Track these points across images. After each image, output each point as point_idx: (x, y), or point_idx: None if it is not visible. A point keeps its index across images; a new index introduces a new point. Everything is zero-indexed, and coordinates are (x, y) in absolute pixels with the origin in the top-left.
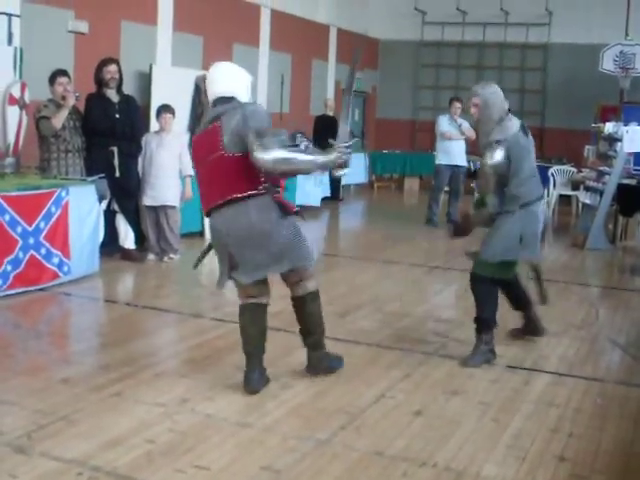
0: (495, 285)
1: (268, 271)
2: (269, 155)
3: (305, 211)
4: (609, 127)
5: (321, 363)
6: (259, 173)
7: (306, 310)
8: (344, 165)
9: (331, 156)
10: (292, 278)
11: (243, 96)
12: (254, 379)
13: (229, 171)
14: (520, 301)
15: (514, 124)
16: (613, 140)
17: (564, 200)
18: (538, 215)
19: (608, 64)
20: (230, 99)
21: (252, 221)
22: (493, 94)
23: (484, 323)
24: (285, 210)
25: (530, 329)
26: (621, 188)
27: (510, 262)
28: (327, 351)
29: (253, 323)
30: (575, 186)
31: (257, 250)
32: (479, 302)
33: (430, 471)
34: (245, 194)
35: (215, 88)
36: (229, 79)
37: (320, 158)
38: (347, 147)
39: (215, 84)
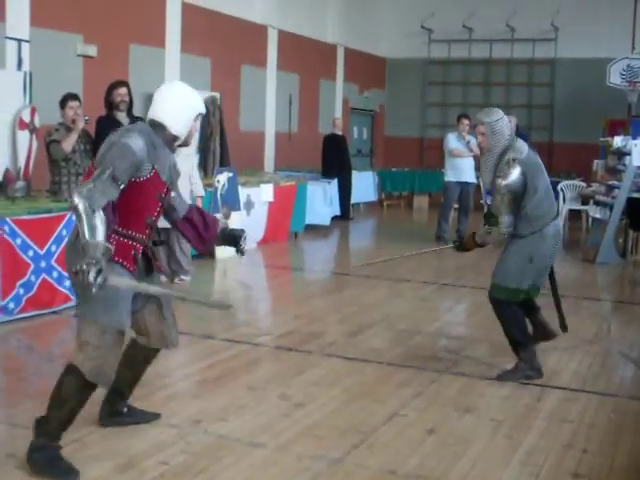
0: (514, 304)
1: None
2: (76, 198)
3: (315, 230)
4: (617, 141)
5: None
6: (111, 206)
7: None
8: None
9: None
10: None
11: (175, 130)
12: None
13: None
14: (525, 308)
15: (524, 144)
16: (622, 154)
17: (574, 215)
18: (551, 238)
19: (615, 78)
20: (157, 125)
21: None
22: (499, 121)
23: (517, 343)
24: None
25: (541, 334)
26: (631, 202)
27: (524, 289)
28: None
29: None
30: (585, 201)
31: None
32: (504, 324)
33: None
34: None
35: (152, 109)
36: (164, 104)
37: (86, 233)
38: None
39: (155, 105)
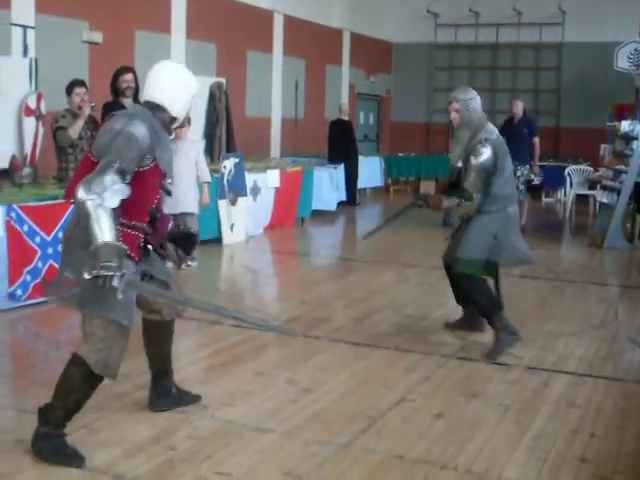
0: (481, 279)
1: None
2: (83, 194)
3: (322, 215)
4: (625, 125)
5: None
6: None
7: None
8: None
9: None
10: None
11: (175, 111)
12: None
13: (85, 173)
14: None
15: (494, 127)
16: (629, 138)
17: (581, 200)
18: (514, 219)
19: (623, 62)
20: (155, 107)
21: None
22: (473, 99)
23: (490, 313)
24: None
25: (470, 323)
26: (638, 186)
27: (493, 263)
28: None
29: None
30: (592, 185)
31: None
32: (474, 295)
33: (451, 474)
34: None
35: (147, 90)
36: (162, 84)
37: (98, 234)
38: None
39: (150, 86)
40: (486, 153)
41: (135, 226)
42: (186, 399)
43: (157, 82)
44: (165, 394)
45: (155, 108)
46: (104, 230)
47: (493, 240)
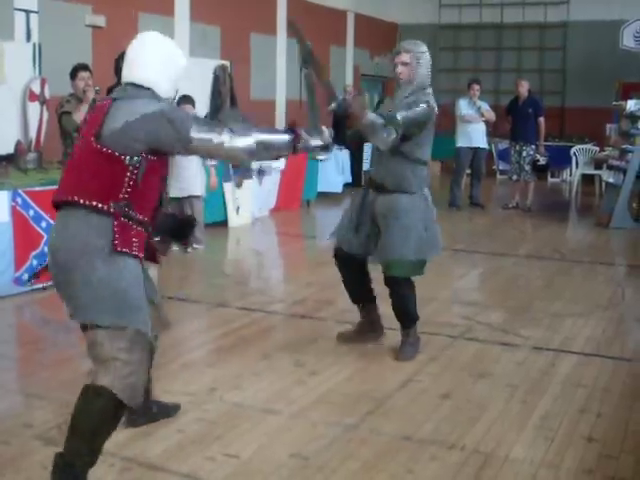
0: (411, 281)
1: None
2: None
3: (327, 197)
4: (631, 105)
5: None
6: (122, 186)
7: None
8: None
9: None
10: (88, 347)
11: (163, 90)
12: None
13: (88, 165)
14: (370, 293)
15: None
16: (635, 118)
17: (587, 179)
18: (431, 203)
19: (629, 41)
20: (140, 89)
21: (63, 236)
22: (425, 54)
23: (414, 319)
24: (122, 245)
25: (371, 328)
26: None
27: (423, 260)
28: None
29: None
30: (598, 165)
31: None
32: (402, 301)
33: (458, 454)
34: (87, 202)
35: (128, 70)
36: (151, 63)
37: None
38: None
39: (131, 64)
40: (424, 112)
41: (143, 222)
42: (165, 411)
43: (138, 60)
44: (143, 413)
45: (140, 90)
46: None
47: (424, 233)
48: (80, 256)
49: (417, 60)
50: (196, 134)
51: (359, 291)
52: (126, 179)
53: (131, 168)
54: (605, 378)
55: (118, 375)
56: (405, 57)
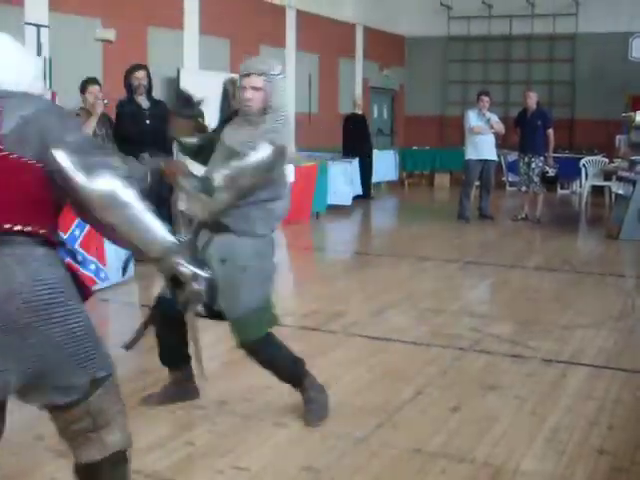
0: (271, 335)
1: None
2: (94, 184)
3: (337, 210)
4: None
5: None
6: (52, 208)
7: None
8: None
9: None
10: (71, 425)
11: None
12: None
13: (8, 182)
14: (181, 352)
15: None
16: None
17: (597, 191)
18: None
19: (638, 52)
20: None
21: (18, 282)
22: (281, 76)
23: (297, 373)
24: (82, 286)
25: (180, 393)
26: None
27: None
28: None
29: None
30: (607, 177)
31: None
32: (276, 364)
33: (469, 467)
34: (25, 228)
35: None
36: (15, 64)
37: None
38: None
39: None
40: (265, 151)
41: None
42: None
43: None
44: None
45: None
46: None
47: (270, 279)
48: (48, 301)
49: (273, 86)
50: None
51: (179, 352)
52: None
53: None
54: (616, 390)
55: (119, 426)
56: (257, 82)
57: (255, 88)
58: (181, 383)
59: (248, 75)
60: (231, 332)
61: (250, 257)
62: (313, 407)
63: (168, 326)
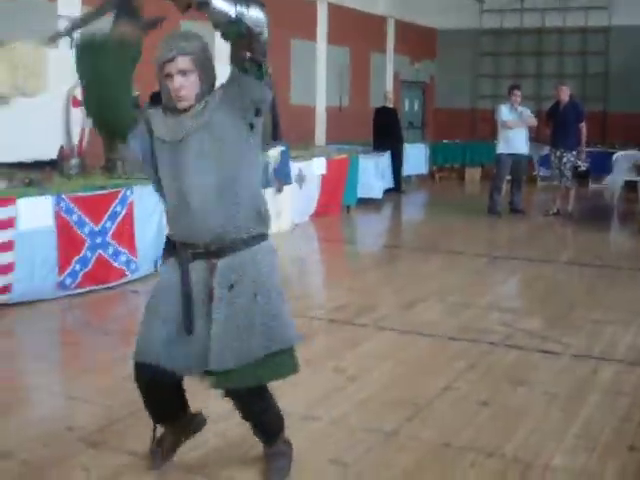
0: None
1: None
2: None
3: (367, 203)
4: None
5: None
6: None
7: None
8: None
9: None
10: None
11: None
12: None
13: None
14: (175, 406)
15: None
16: None
17: (629, 186)
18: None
19: None
20: None
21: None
22: (208, 51)
23: (279, 427)
24: None
25: (185, 428)
26: None
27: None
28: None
29: None
30: None
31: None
32: (266, 417)
33: (498, 462)
34: None
35: None
36: None
37: None
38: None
39: None
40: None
41: None
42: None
43: None
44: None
45: None
46: None
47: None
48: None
49: (202, 63)
50: None
51: (173, 408)
52: None
53: None
54: None
55: None
56: (183, 63)
57: (182, 72)
58: (183, 427)
59: (172, 58)
60: (216, 376)
61: (265, 288)
62: (280, 463)
63: (154, 391)
